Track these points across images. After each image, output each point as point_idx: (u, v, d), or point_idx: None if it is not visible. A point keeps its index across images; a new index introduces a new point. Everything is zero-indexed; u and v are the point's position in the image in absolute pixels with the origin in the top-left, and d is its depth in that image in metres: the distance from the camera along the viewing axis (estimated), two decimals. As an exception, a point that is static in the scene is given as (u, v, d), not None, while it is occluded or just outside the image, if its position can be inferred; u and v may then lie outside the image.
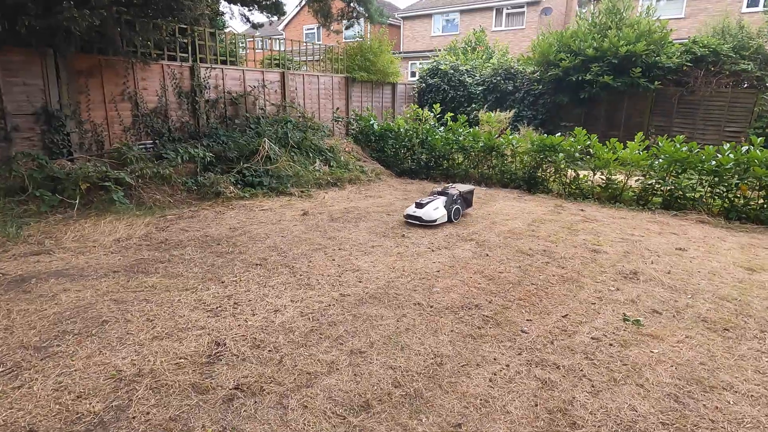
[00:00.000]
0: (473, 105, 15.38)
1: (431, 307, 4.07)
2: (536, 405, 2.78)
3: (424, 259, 5.30)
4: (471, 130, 10.55)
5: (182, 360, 3.18)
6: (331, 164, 10.30)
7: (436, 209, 6.56)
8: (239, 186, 8.43)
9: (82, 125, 8.09)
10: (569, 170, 9.14)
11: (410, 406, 2.76)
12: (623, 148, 8.57)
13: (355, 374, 3.06)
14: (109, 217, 6.45)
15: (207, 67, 9.81)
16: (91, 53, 8.07)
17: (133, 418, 2.61)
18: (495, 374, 3.08)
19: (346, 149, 11.45)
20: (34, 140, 7.52)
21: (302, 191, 8.75)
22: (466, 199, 7.17)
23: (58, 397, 2.76)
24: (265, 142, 9.19)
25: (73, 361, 3.12)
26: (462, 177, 10.54)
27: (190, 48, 9.61)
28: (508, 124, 13.31)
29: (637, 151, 8.37)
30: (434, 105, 12.80)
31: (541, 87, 14.48)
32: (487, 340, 3.54)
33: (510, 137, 9.88)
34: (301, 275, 4.72)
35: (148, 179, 7.50)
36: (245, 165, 8.82)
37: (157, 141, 9.10)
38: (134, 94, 8.74)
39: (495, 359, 3.27)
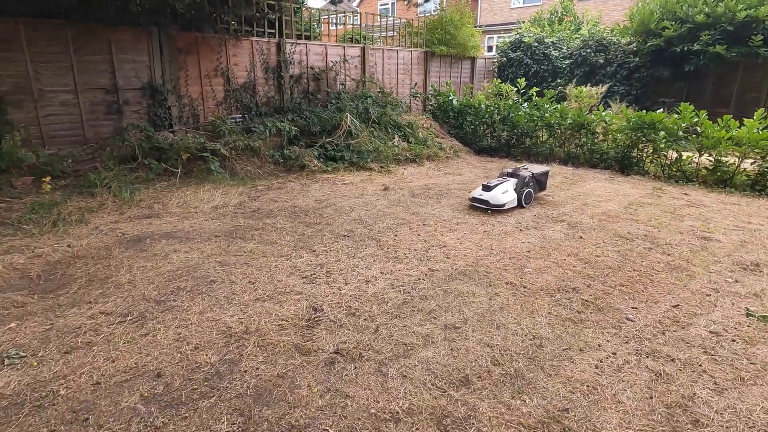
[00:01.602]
0: (558, 80, 14.48)
1: (525, 287, 3.93)
2: (651, 397, 2.59)
3: (512, 238, 5.12)
4: (558, 105, 9.96)
5: (284, 322, 3.33)
6: (410, 140, 10.22)
7: (505, 192, 6.01)
8: (322, 160, 8.63)
9: (181, 99, 8.66)
10: (670, 150, 8.36)
11: (511, 385, 2.70)
12: (739, 127, 7.67)
13: (451, 349, 3.04)
14: (207, 186, 6.90)
15: (292, 43, 10.04)
16: (189, 31, 8.55)
17: (245, 372, 2.79)
18: (601, 361, 2.91)
19: (424, 125, 11.29)
20: (141, 113, 8.17)
21: (381, 166, 8.79)
22: (540, 182, 6.54)
23: (179, 347, 3.01)
24: (347, 116, 9.30)
25: (188, 315, 3.39)
26: (546, 156, 10.02)
27: (276, 24, 9.88)
28: (599, 100, 12.40)
29: (756, 130, 7.44)
30: (518, 80, 12.20)
31: (637, 59, 13.27)
32: (588, 325, 3.36)
33: (603, 114, 9.21)
34: (388, 248, 4.75)
35: (240, 151, 7.90)
36: (327, 139, 9.00)
37: (245, 115, 9.54)
38: (226, 70, 9.18)
39: (599, 346, 3.09)
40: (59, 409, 2.46)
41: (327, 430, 2.34)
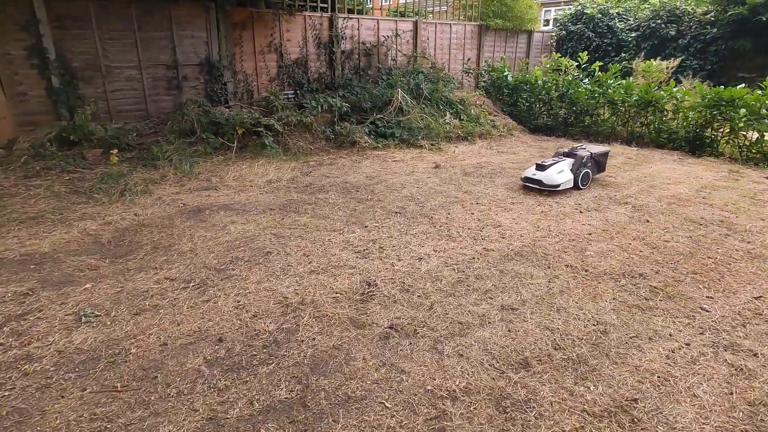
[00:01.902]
0: (623, 54, 13.53)
1: (586, 271, 3.74)
2: (731, 393, 2.40)
3: (571, 220, 4.89)
4: (623, 81, 9.33)
5: (338, 295, 3.36)
6: (461, 117, 9.94)
7: (560, 172, 5.70)
8: (372, 136, 8.57)
9: (236, 75, 8.82)
10: (750, 130, 7.65)
11: (574, 371, 2.58)
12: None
13: (509, 330, 2.95)
14: (261, 160, 7.04)
15: (344, 18, 9.93)
16: (245, 6, 8.63)
17: (301, 341, 2.83)
18: (673, 352, 2.73)
19: (477, 102, 10.93)
20: (198, 89, 8.40)
21: (432, 144, 8.61)
22: (599, 163, 6.19)
23: (239, 314, 3.11)
24: (398, 93, 9.15)
25: (246, 284, 3.49)
26: (606, 135, 9.46)
27: (329, -1, 9.80)
28: (669, 75, 11.52)
29: None
30: (580, 54, 11.52)
31: (714, 30, 12.13)
32: (657, 313, 3.15)
33: (674, 89, 8.53)
34: (440, 226, 4.66)
35: (292, 127, 7.98)
36: (378, 116, 8.91)
37: (297, 91, 9.60)
38: (279, 46, 9.23)
39: (670, 335, 2.90)
40: (131, 367, 2.60)
41: (383, 403, 2.35)
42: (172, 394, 2.40)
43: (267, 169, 6.61)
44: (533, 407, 2.32)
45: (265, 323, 2.99)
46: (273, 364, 2.61)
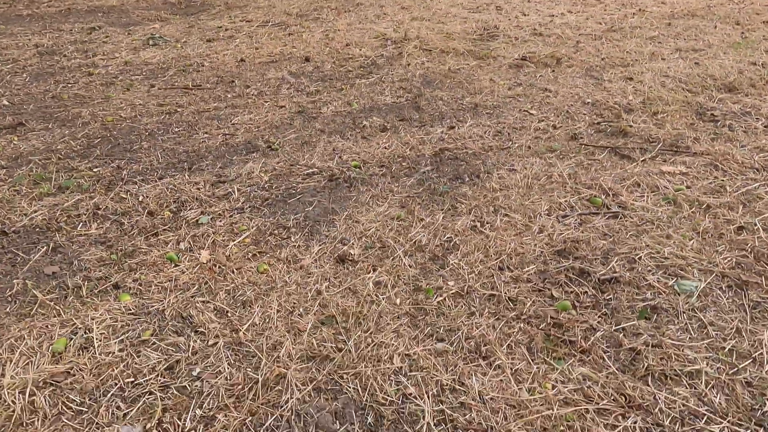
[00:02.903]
0: None
1: None
2: None
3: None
4: None
5: (450, 34, 2.65)
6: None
7: None
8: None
9: None
10: None
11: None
12: None
13: (696, 63, 2.11)
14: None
15: None
16: None
17: (408, 65, 2.22)
18: None
19: None
20: None
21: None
22: None
23: (327, 43, 2.51)
24: None
25: (334, 25, 2.83)
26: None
27: None
28: None
29: None
30: None
31: None
32: None
33: None
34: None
35: None
36: None
37: None
38: None
39: None
40: (204, 74, 2.16)
41: (526, 110, 1.75)
42: (252, 93, 1.95)
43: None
44: (749, 120, 1.63)
45: (360, 50, 2.39)
46: (373, 79, 2.05)
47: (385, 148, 1.52)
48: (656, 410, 0.71)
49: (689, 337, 0.82)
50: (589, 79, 2.01)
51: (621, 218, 1.15)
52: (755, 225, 1.09)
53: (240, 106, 1.83)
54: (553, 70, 2.12)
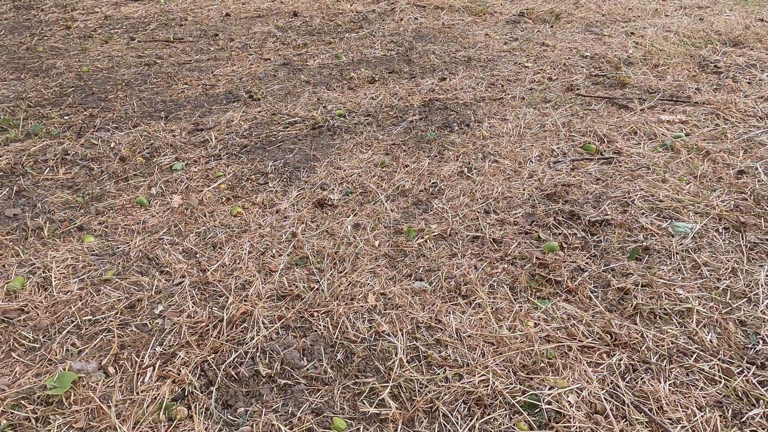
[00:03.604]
0: None
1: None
2: None
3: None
4: None
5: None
6: None
7: None
8: None
9: None
10: None
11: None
12: None
13: (700, 18, 2.04)
14: None
15: None
16: None
17: (400, 19, 2.13)
18: None
19: None
20: None
21: None
22: None
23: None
24: None
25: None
26: None
27: None
28: None
29: None
30: None
31: None
32: None
33: None
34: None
35: None
36: None
37: None
38: None
39: None
40: (187, 28, 2.07)
41: (520, 63, 1.69)
42: (236, 47, 1.87)
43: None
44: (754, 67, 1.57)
45: (351, 5, 2.29)
46: (364, 33, 1.97)
47: (373, 98, 1.46)
48: (643, 348, 0.67)
49: (681, 277, 0.78)
50: (588, 35, 1.93)
51: (615, 164, 1.09)
52: (756, 169, 1.03)
53: (223, 59, 1.75)
54: (552, 26, 2.04)
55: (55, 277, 0.80)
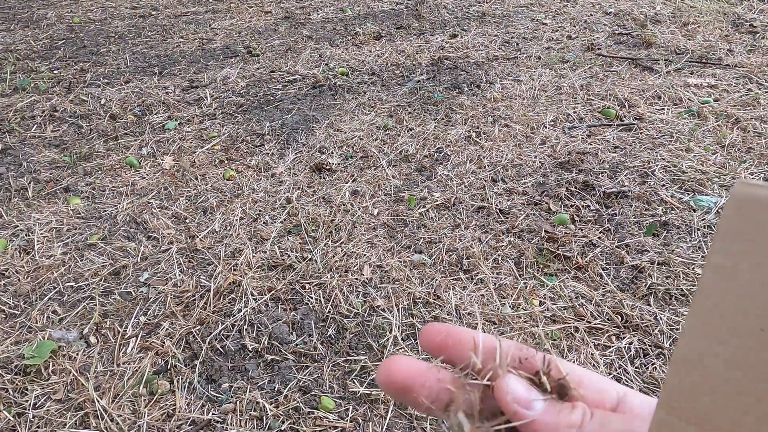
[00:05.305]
0: None
1: None
2: None
3: None
4: None
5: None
6: None
7: None
8: None
9: None
10: None
11: None
12: None
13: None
14: None
15: None
16: None
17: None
18: None
19: None
20: None
21: None
22: None
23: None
24: None
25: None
26: None
27: None
28: None
29: None
30: None
31: None
32: None
33: None
34: None
35: None
36: None
37: None
38: None
39: None
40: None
41: (540, 20, 1.58)
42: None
43: None
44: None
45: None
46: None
47: (378, 56, 1.38)
48: (656, 331, 0.63)
49: (702, 256, 0.73)
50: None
51: (636, 131, 1.02)
52: (790, 140, 0.96)
53: (221, 11, 1.66)
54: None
55: (38, 241, 0.77)
